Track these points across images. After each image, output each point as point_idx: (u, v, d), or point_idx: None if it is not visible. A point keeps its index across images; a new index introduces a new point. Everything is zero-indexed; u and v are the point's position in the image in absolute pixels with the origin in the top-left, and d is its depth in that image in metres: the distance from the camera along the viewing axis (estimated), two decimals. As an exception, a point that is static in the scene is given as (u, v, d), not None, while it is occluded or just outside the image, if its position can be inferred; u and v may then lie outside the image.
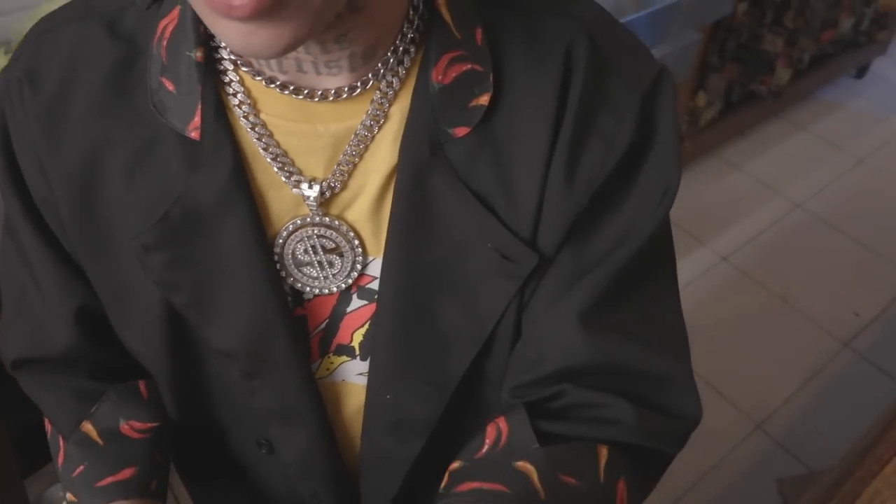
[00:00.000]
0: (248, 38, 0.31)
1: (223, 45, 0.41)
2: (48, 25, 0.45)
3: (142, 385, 0.52)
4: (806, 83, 2.45)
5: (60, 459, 0.52)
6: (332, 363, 0.50)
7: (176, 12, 0.41)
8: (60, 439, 0.52)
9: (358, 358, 0.49)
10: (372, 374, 0.48)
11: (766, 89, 2.27)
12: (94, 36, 0.42)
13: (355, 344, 0.49)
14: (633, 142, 0.42)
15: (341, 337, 0.49)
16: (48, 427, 0.55)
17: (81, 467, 0.50)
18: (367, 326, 0.48)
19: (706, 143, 2.26)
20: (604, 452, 0.45)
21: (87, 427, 0.51)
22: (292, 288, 0.46)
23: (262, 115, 0.41)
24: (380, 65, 0.40)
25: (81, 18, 0.43)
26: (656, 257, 0.47)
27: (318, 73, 0.39)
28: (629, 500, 0.46)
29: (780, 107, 2.46)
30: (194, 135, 0.41)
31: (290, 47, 0.32)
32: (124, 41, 0.42)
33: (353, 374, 0.50)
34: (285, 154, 0.42)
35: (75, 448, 0.50)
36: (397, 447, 0.50)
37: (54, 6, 1.43)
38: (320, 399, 0.49)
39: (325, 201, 0.43)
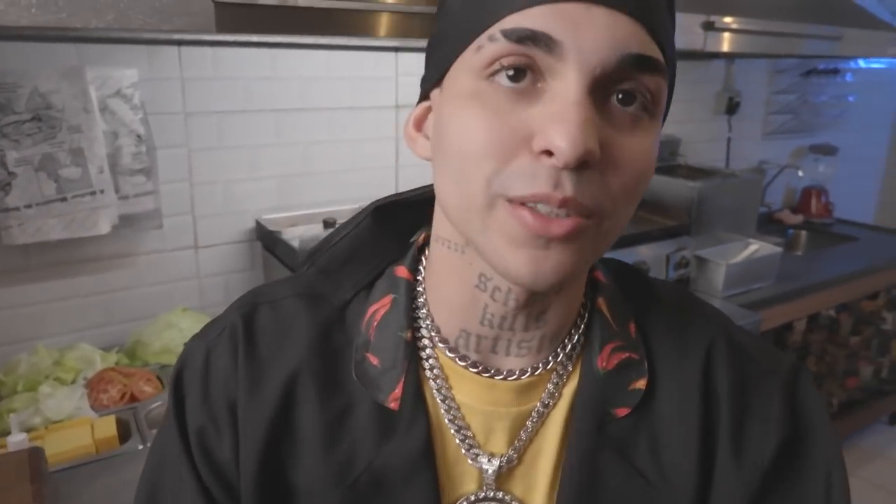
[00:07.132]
0: (538, 263, 0.37)
1: (426, 327, 0.46)
2: (268, 296, 0.49)
3: None
4: (840, 427, 2.43)
5: None
6: None
7: (388, 299, 0.47)
8: None
9: None
10: None
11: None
12: (305, 311, 0.47)
13: None
14: (788, 426, 0.46)
15: None
16: None
17: None
18: None
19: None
20: None
21: None
22: None
23: (454, 392, 0.46)
24: (559, 349, 0.46)
25: (299, 295, 0.48)
26: None
27: (508, 354, 0.46)
28: None
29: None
30: (393, 405, 0.44)
31: (567, 278, 0.38)
32: (333, 320, 0.47)
33: None
34: (469, 429, 0.46)
35: None
36: None
37: (173, 318, 1.52)
38: None
39: (500, 475, 0.46)
